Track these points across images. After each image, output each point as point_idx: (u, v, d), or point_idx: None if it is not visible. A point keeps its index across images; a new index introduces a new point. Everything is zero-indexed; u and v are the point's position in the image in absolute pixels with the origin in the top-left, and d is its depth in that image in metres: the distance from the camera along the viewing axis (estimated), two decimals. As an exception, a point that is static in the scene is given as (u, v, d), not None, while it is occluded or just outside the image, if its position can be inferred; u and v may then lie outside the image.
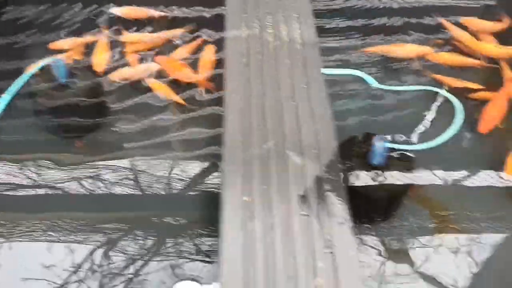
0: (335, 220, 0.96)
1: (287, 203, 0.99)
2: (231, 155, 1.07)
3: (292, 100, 1.19)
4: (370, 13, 1.93)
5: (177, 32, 1.86)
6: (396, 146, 1.33)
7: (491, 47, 1.78)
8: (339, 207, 0.99)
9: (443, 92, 1.58)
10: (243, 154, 1.07)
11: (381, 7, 1.96)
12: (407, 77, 1.67)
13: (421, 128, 1.49)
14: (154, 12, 1.92)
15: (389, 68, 1.70)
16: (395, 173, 1.31)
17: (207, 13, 1.91)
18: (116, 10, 1.91)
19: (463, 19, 1.88)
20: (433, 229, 1.33)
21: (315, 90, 1.22)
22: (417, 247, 1.30)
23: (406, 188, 1.31)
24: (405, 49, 1.74)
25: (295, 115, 1.15)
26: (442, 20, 1.87)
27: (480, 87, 1.65)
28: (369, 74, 1.64)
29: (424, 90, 1.61)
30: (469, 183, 1.40)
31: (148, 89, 1.64)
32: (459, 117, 1.48)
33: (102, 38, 1.81)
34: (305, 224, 0.95)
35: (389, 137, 1.29)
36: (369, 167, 1.31)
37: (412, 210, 1.36)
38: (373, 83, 1.51)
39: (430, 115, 1.52)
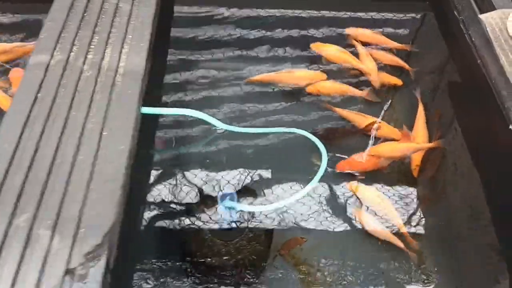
0: None
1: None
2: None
3: (78, 154, 0.90)
4: (255, 24, 1.62)
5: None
6: (243, 207, 1.06)
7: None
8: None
9: (308, 135, 1.26)
10: (-21, 233, 0.78)
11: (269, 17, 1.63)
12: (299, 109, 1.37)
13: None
14: None
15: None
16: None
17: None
18: None
19: (350, 30, 1.59)
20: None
21: (117, 139, 0.93)
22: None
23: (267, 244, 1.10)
24: (293, 76, 1.44)
25: (74, 177, 0.86)
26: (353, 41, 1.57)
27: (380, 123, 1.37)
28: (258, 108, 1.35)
29: (287, 132, 1.29)
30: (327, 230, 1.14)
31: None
32: (322, 168, 1.19)
33: None
34: None
35: (232, 195, 1.02)
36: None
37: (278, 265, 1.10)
38: (219, 124, 1.21)
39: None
